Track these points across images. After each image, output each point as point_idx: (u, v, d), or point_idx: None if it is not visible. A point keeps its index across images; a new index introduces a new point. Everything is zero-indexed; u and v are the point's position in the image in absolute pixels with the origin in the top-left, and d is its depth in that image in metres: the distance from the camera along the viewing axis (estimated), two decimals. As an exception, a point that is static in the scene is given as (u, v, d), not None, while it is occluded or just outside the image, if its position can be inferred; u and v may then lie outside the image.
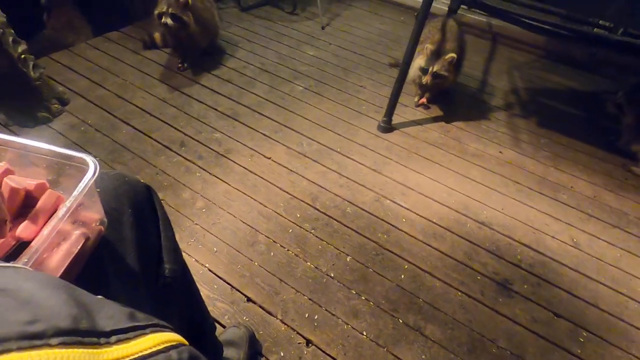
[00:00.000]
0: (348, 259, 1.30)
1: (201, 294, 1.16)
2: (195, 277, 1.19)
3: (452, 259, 1.34)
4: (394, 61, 2.30)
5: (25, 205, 0.48)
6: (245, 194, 1.47)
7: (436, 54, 1.74)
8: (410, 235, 1.40)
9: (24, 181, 0.47)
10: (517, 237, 1.44)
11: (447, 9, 2.58)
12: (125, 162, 1.52)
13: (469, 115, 1.99)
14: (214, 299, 1.16)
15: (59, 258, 0.43)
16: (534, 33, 2.04)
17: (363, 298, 1.20)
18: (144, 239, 0.58)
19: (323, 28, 2.61)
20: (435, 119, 1.94)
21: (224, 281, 1.20)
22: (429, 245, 1.37)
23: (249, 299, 1.16)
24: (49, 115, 1.63)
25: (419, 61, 1.80)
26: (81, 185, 0.43)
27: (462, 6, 2.34)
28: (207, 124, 1.74)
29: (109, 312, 0.33)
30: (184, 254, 1.24)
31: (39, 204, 0.46)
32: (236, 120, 1.79)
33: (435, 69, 1.75)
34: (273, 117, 1.83)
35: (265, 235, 1.34)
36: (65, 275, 0.45)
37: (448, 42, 1.80)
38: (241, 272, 1.23)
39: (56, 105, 1.66)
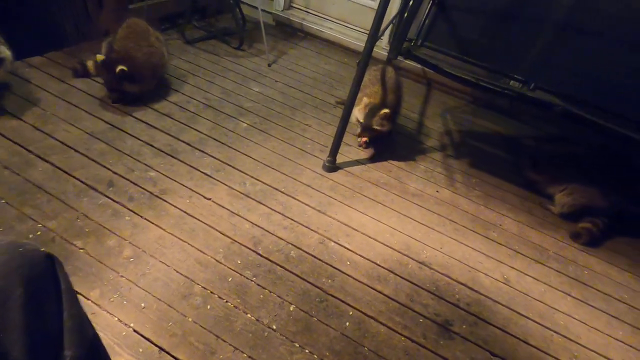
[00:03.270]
0: (291, 308, 1.24)
1: (122, 361, 1.02)
2: (116, 341, 1.06)
3: (396, 302, 1.34)
4: (340, 100, 2.38)
5: None
6: (181, 239, 1.36)
7: (372, 109, 1.84)
8: (355, 279, 1.38)
9: None
10: (454, 276, 1.49)
11: (386, 54, 2.78)
12: (39, 205, 1.34)
13: (408, 156, 2.10)
14: (138, 365, 1.02)
15: None
16: (459, 84, 2.26)
17: (307, 351, 1.14)
18: (38, 322, 0.49)
19: (269, 65, 2.64)
20: (377, 159, 2.01)
21: (151, 342, 1.07)
22: (373, 289, 1.36)
23: (179, 362, 1.04)
24: (-55, 150, 1.40)
25: (356, 113, 1.89)
26: None
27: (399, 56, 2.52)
28: (140, 162, 1.62)
29: None
30: (104, 312, 1.10)
31: None
32: (174, 157, 1.69)
33: (371, 125, 1.88)
34: (215, 155, 1.76)
35: (202, 286, 1.23)
36: None
37: (386, 92, 1.91)
38: (172, 331, 1.10)
39: (-45, 138, 1.44)
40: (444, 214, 1.77)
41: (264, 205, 1.57)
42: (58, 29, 2.20)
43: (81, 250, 1.24)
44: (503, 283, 1.51)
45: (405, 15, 1.99)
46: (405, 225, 1.66)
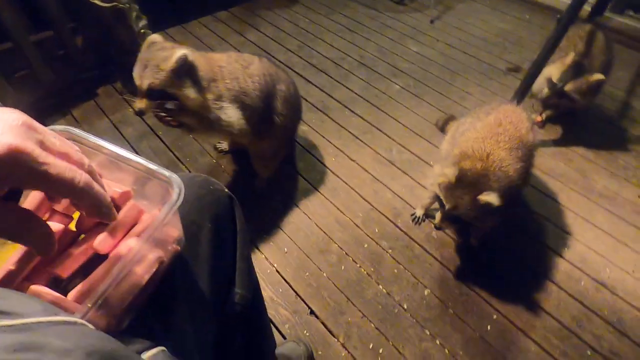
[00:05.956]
0: (426, 292, 1.15)
1: (265, 295, 1.12)
2: (262, 276, 1.16)
3: (556, 321, 1.10)
4: (513, 66, 1.99)
5: (107, 213, 0.44)
6: (324, 195, 1.39)
7: (576, 69, 1.41)
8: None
9: (111, 188, 0.43)
10: (650, 312, 1.13)
11: (590, 9, 2.15)
12: (215, 144, 1.54)
13: (600, 144, 1.63)
14: (278, 303, 1.11)
15: (129, 286, 0.38)
16: None
17: (437, 342, 1.05)
18: (219, 258, 0.52)
19: (432, 22, 2.37)
20: (556, 143, 1.62)
21: (290, 287, 1.14)
22: (527, 299, 1.15)
23: (312, 312, 1.09)
24: (157, 88, 1.72)
25: (551, 70, 1.46)
26: (164, 211, 0.37)
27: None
28: (296, 115, 1.69)
29: None
30: (255, 249, 1.22)
31: (120, 216, 0.42)
32: (325, 114, 1.71)
33: (566, 89, 1.44)
34: (364, 116, 1.71)
35: (339, 246, 1.24)
36: (130, 306, 0.40)
37: (593, 57, 1.46)
38: (308, 281, 1.16)
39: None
40: (645, 227, 1.34)
41: (409, 176, 1.46)
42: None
43: (242, 188, 1.39)
44: None
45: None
46: (583, 232, 1.32)
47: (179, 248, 0.45)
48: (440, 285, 1.16)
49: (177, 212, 0.45)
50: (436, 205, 1.09)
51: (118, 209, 0.43)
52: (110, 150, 0.41)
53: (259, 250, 1.22)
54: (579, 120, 1.73)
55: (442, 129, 1.58)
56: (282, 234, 1.27)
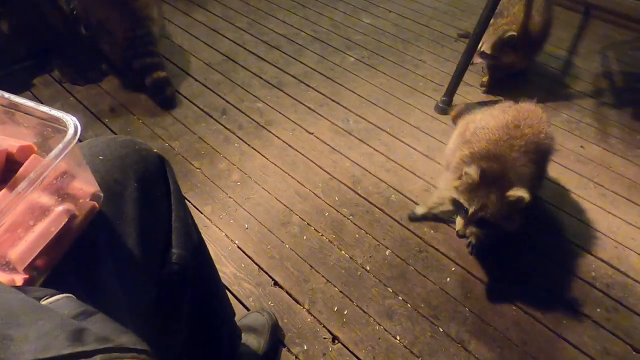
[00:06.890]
0: (387, 253, 1.17)
1: (227, 272, 1.11)
2: (223, 253, 1.15)
3: (510, 265, 1.16)
4: (463, 32, 2.03)
5: (8, 170, 0.41)
6: (282, 169, 1.37)
7: (501, 34, 1.49)
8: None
9: (6, 141, 0.40)
10: (593, 250, 1.21)
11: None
12: (166, 127, 1.48)
13: (545, 101, 1.70)
14: (241, 278, 1.10)
15: (32, 240, 0.35)
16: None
17: (400, 298, 1.07)
18: (149, 218, 0.50)
19: (384, -6, 2.36)
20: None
21: (252, 261, 1.13)
22: (482, 249, 1.20)
23: (276, 283, 1.09)
24: (98, 75, 1.63)
25: (482, 45, 1.53)
26: (55, 151, 0.35)
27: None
28: (250, 93, 1.65)
29: (38, 332, 0.24)
30: (214, 227, 1.20)
31: (21, 170, 0.39)
32: (281, 90, 1.68)
33: (483, 49, 1.51)
34: (320, 89, 1.70)
35: (300, 217, 1.24)
36: (44, 259, 0.37)
37: (529, 16, 1.51)
38: (271, 253, 1.15)
39: (105, 65, 1.66)
40: (587, 174, 1.42)
41: (366, 144, 1.47)
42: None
43: (198, 170, 1.35)
44: (664, 269, 1.17)
45: None
46: (531, 183, 1.38)
47: (96, 205, 0.42)
48: (400, 245, 1.19)
49: (86, 166, 0.43)
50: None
51: (18, 164, 0.41)
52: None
53: (218, 228, 1.20)
54: (525, 80, 1.80)
55: (454, 121, 1.51)
56: (241, 211, 1.25)
